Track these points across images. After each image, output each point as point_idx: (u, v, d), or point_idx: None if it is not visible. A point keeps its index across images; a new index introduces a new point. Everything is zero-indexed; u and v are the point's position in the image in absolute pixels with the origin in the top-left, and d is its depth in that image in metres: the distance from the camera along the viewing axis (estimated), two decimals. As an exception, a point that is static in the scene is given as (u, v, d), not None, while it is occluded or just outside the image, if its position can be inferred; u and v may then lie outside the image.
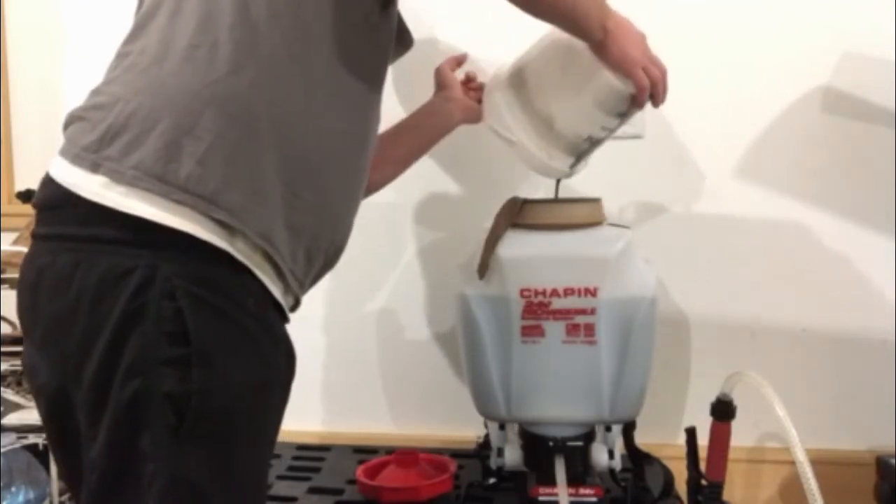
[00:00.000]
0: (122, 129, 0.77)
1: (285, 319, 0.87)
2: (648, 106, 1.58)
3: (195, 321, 0.74)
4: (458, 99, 1.30)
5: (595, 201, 1.28)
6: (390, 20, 0.95)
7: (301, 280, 0.87)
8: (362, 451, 1.56)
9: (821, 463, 1.03)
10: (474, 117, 1.30)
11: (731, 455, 1.24)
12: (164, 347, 0.73)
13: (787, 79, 1.54)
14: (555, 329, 1.19)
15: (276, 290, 0.83)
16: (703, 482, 1.23)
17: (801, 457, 0.97)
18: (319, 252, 0.89)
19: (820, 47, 1.53)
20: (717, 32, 1.56)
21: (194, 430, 0.74)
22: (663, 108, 1.62)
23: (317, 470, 1.48)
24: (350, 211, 0.93)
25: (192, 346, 0.74)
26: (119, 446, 0.75)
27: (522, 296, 1.18)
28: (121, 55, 0.84)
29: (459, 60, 1.38)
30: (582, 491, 1.18)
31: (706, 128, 1.57)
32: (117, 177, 0.75)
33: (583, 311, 1.18)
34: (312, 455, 1.56)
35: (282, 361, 0.84)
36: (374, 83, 0.94)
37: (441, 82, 1.33)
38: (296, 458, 1.54)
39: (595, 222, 1.23)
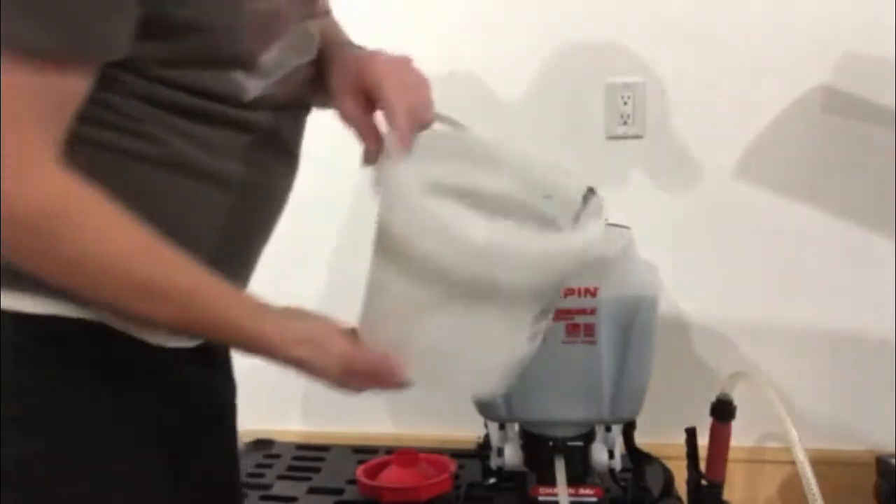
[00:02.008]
0: None
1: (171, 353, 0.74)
2: (648, 105, 1.59)
3: (19, 376, 0.65)
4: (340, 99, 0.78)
5: (595, 201, 1.28)
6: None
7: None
8: (362, 451, 1.56)
9: (821, 463, 1.03)
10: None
11: (731, 455, 1.24)
12: None
13: (787, 79, 1.54)
14: (555, 329, 1.18)
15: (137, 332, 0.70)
16: (703, 482, 1.23)
17: (801, 457, 0.97)
18: None
19: (820, 47, 1.53)
20: (717, 32, 1.56)
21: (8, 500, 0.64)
22: (664, 107, 1.62)
23: (317, 470, 1.48)
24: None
25: (13, 404, 0.65)
26: None
27: (522, 296, 1.18)
28: None
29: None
30: (582, 491, 1.18)
31: (706, 128, 1.57)
32: None
33: (582, 311, 1.18)
34: (312, 455, 1.56)
35: (150, 408, 0.72)
36: None
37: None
38: (296, 458, 1.54)
39: (595, 222, 1.23)
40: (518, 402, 1.22)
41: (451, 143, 0.76)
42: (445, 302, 0.63)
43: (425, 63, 1.57)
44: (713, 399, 1.23)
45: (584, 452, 1.22)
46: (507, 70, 1.61)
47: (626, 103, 1.58)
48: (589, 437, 1.22)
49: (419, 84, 0.75)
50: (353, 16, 0.92)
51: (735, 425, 1.23)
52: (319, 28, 0.80)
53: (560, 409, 1.21)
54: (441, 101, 1.65)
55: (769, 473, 1.60)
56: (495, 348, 0.66)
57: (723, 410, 1.22)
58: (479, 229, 0.58)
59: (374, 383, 0.71)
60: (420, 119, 0.72)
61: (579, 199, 0.76)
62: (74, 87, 0.59)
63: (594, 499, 1.18)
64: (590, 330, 1.18)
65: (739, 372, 1.18)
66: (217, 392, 0.83)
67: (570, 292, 1.17)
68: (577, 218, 0.75)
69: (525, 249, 0.59)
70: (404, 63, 0.76)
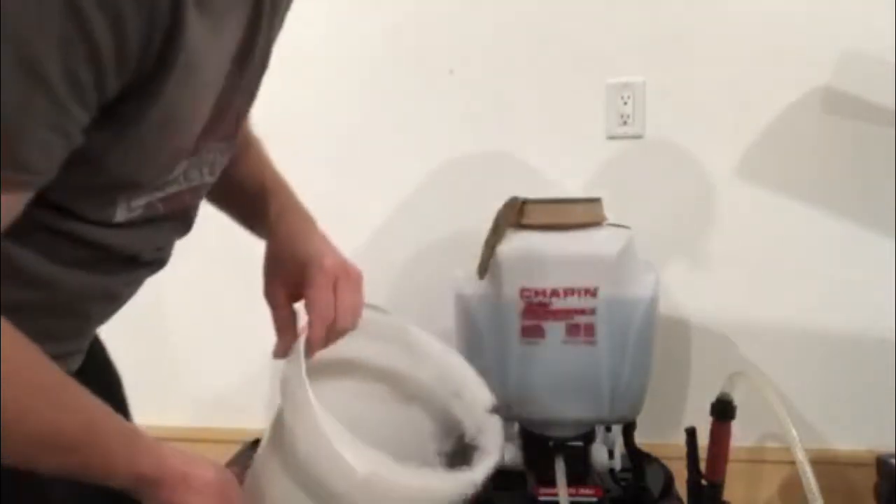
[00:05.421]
0: None
1: None
2: (648, 105, 1.59)
3: None
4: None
5: (595, 201, 1.28)
6: None
7: None
8: (362, 451, 1.55)
9: (821, 463, 1.03)
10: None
11: (731, 455, 1.24)
12: None
13: (787, 79, 1.54)
14: (555, 329, 1.19)
15: None
16: (703, 482, 1.23)
17: (801, 457, 0.97)
18: None
19: (820, 47, 1.53)
20: (717, 32, 1.56)
21: None
22: (663, 107, 1.62)
23: (317, 470, 1.48)
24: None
25: None
26: None
27: (522, 296, 1.18)
28: None
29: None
30: (582, 491, 1.18)
31: (706, 128, 1.57)
32: None
33: (583, 312, 1.18)
34: (312, 455, 1.55)
35: None
36: None
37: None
38: (296, 458, 1.54)
39: (595, 222, 1.23)
40: (518, 403, 1.22)
41: (387, 327, 0.84)
42: None
43: (427, 63, 1.59)
44: (713, 399, 1.23)
45: (584, 452, 1.22)
46: (506, 70, 1.61)
47: (626, 103, 1.58)
48: (589, 437, 1.23)
49: (350, 292, 0.76)
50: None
51: (735, 425, 1.23)
52: (248, 165, 0.82)
53: (560, 409, 1.21)
54: (441, 101, 1.64)
55: (769, 473, 1.60)
56: None
57: (723, 410, 1.22)
58: (360, 462, 0.58)
59: None
60: (340, 330, 0.75)
61: (486, 407, 0.80)
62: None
63: (594, 499, 1.18)
64: (590, 330, 1.18)
65: (739, 372, 1.18)
66: None
67: (569, 292, 1.17)
68: (479, 431, 0.77)
69: (404, 485, 0.61)
70: (341, 270, 0.76)
